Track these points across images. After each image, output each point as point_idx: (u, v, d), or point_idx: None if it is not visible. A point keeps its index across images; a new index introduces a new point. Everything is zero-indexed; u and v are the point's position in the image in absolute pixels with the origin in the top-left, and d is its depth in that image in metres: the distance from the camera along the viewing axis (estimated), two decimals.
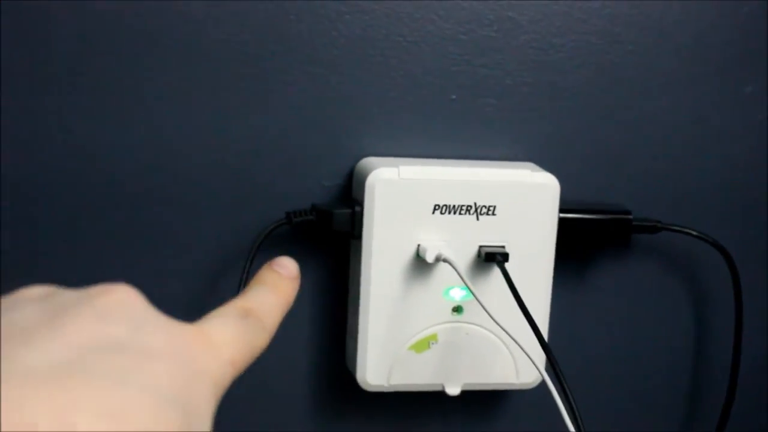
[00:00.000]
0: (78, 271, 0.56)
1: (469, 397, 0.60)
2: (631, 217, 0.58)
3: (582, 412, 0.62)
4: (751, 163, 0.62)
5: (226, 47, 0.55)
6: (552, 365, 0.50)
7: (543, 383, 0.59)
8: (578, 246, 0.60)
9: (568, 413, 0.48)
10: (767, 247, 0.63)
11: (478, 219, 0.55)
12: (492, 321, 0.54)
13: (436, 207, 0.55)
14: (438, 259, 0.54)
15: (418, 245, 0.55)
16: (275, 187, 0.57)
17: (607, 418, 0.64)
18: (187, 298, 0.57)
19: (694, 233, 0.60)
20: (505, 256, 0.55)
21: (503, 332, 0.53)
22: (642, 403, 0.64)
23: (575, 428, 0.48)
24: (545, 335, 0.58)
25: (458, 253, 0.55)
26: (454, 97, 0.58)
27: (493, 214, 0.55)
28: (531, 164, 0.58)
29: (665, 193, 0.61)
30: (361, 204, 0.55)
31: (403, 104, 0.58)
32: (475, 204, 0.55)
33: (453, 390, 0.57)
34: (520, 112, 0.59)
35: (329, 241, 0.58)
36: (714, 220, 0.62)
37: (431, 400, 0.61)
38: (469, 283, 0.54)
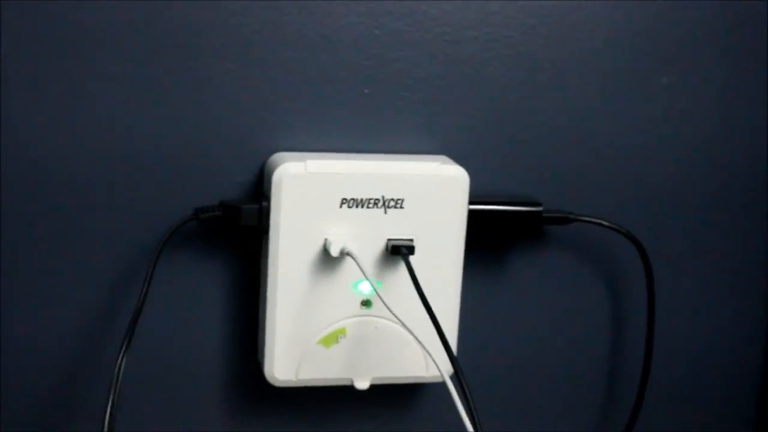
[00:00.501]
0: None
1: (381, 391, 0.60)
2: (541, 209, 0.58)
3: (494, 407, 0.63)
4: (664, 154, 0.62)
5: (133, 42, 0.54)
6: (451, 360, 0.50)
7: (455, 377, 0.60)
8: (490, 239, 0.60)
9: (465, 411, 0.48)
10: (679, 236, 0.64)
11: (386, 212, 0.55)
12: (403, 315, 0.54)
13: (344, 201, 0.54)
14: (342, 253, 0.54)
15: (326, 239, 0.55)
16: (187, 184, 0.56)
17: (522, 412, 0.64)
18: (94, 295, 0.57)
19: (606, 224, 0.60)
20: (410, 249, 0.55)
21: (413, 326, 0.53)
22: (557, 395, 0.65)
23: (472, 427, 0.48)
24: (455, 329, 0.58)
25: (366, 247, 0.55)
26: (367, 91, 0.58)
27: (401, 207, 0.55)
28: (444, 157, 0.58)
29: (579, 185, 0.61)
30: (269, 199, 0.54)
31: (316, 99, 0.57)
32: (383, 197, 0.55)
33: (362, 384, 0.57)
34: (433, 105, 0.59)
35: (242, 237, 0.57)
36: (627, 211, 0.62)
37: (344, 395, 0.61)
38: (372, 277, 0.55)
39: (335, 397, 0.61)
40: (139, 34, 0.54)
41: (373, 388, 0.58)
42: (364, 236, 0.55)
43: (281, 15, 0.55)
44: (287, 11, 0.55)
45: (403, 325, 0.52)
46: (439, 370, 0.51)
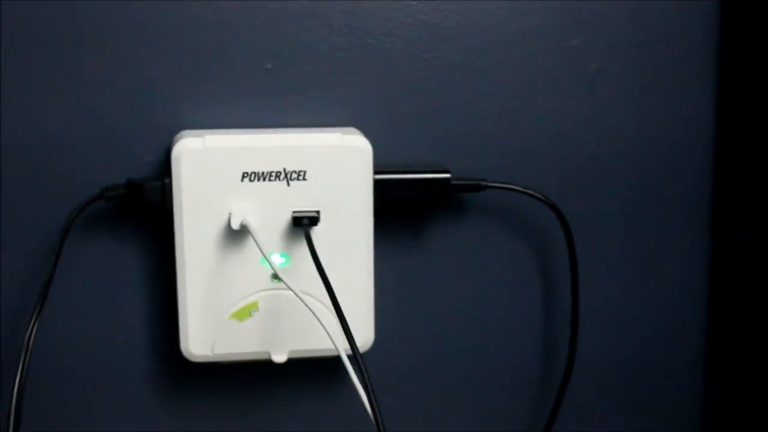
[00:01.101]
0: None
1: (301, 364, 0.60)
2: (449, 175, 0.58)
3: (416, 380, 0.63)
4: (581, 115, 0.62)
5: (42, 24, 0.55)
6: (346, 333, 0.50)
7: (377, 347, 0.60)
8: (401, 210, 0.60)
9: (362, 387, 0.48)
10: (598, 201, 0.63)
11: (288, 185, 0.55)
12: (313, 287, 0.54)
13: (245, 174, 0.55)
14: (242, 226, 0.54)
15: (230, 214, 0.55)
16: (97, 166, 0.57)
17: (444, 386, 0.64)
18: (7, 275, 0.58)
19: (521, 189, 0.60)
20: (312, 220, 0.55)
21: (327, 299, 0.53)
22: (482, 365, 0.64)
23: (369, 405, 0.48)
24: (371, 302, 0.58)
25: (271, 220, 0.55)
26: (269, 66, 0.58)
27: (304, 179, 0.55)
28: (352, 129, 0.58)
29: (492, 154, 0.61)
30: (170, 175, 0.55)
31: (219, 77, 0.58)
32: (285, 170, 0.55)
33: (279, 357, 0.57)
34: (337, 77, 0.59)
35: (152, 216, 0.58)
36: (543, 179, 0.62)
37: (265, 370, 0.61)
38: (279, 250, 0.55)
39: (258, 373, 0.61)
40: (48, 17, 0.55)
41: (295, 362, 0.58)
42: (268, 210, 0.55)
43: None
44: None
45: (300, 299, 0.52)
46: (335, 345, 0.52)
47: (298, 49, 0.58)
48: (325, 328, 0.52)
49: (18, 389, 0.50)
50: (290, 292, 0.57)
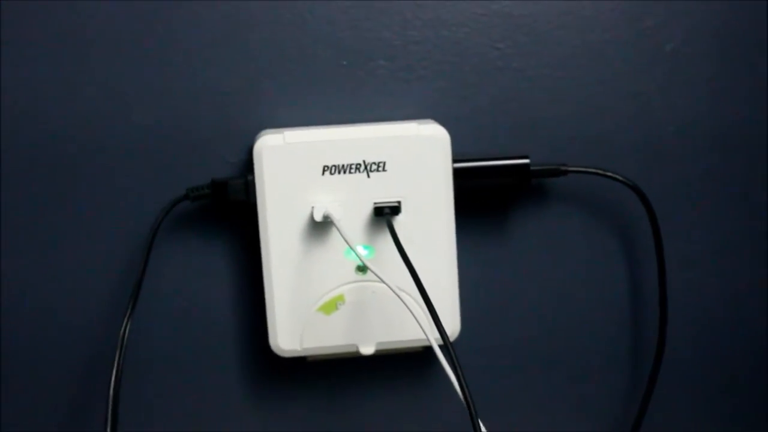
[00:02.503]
0: None
1: (392, 357, 0.60)
2: (528, 161, 0.58)
3: (507, 367, 0.63)
4: (658, 96, 0.61)
5: (126, 33, 0.57)
6: (435, 322, 0.49)
7: (463, 335, 0.60)
8: (481, 198, 0.60)
9: (455, 377, 0.48)
10: (679, 180, 0.62)
11: (369, 176, 0.56)
12: (397, 278, 0.54)
13: (326, 168, 0.56)
14: (325, 218, 0.55)
15: (312, 207, 0.56)
16: (180, 170, 0.59)
17: (537, 372, 0.64)
18: (91, 278, 0.59)
19: (602, 172, 0.60)
20: (394, 210, 0.56)
21: (412, 289, 0.53)
22: (573, 350, 0.64)
23: (461, 393, 0.47)
24: (455, 289, 0.58)
25: (353, 212, 0.56)
26: (345, 62, 0.59)
27: (384, 170, 0.56)
28: (429, 121, 0.59)
29: (570, 138, 0.61)
30: (254, 173, 0.56)
31: (297, 76, 0.59)
32: (364, 161, 0.56)
33: (367, 349, 0.58)
34: (412, 70, 0.59)
35: (238, 214, 0.59)
36: (623, 159, 0.61)
37: (351, 364, 0.62)
38: (362, 242, 0.55)
39: (345, 367, 0.62)
40: (131, 25, 0.57)
41: (384, 355, 0.59)
42: (349, 202, 0.56)
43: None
44: None
45: (390, 287, 0.52)
46: (426, 336, 0.51)
47: (373, 44, 0.59)
48: (416, 318, 0.52)
49: (114, 386, 0.52)
50: (375, 284, 0.57)
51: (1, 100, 0.57)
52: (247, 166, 0.59)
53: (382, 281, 0.52)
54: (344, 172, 0.56)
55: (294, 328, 0.57)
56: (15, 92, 0.57)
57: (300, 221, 0.56)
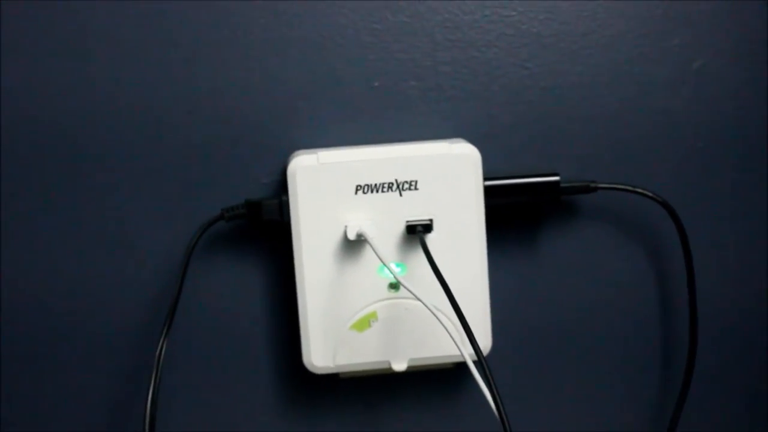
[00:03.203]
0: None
1: (423, 374, 0.61)
2: (558, 178, 0.59)
3: (539, 383, 0.63)
4: (686, 113, 0.62)
5: (161, 48, 0.59)
6: (470, 341, 0.50)
7: (495, 352, 0.60)
8: (511, 215, 0.61)
9: (489, 394, 0.48)
10: (707, 196, 0.63)
11: (401, 195, 0.57)
12: (430, 295, 0.55)
13: (359, 187, 0.57)
14: (359, 236, 0.56)
15: (345, 226, 0.57)
16: (214, 191, 0.60)
17: (567, 387, 0.64)
18: (128, 297, 0.60)
19: (631, 189, 0.60)
20: (426, 227, 0.56)
21: (444, 306, 0.54)
22: (603, 367, 0.64)
23: (496, 410, 0.48)
24: (487, 306, 0.59)
25: (385, 230, 0.57)
26: (377, 84, 0.60)
27: (416, 188, 0.57)
28: (460, 140, 0.60)
29: (599, 155, 0.62)
30: (287, 193, 0.57)
31: (328, 97, 0.60)
32: (396, 181, 0.57)
33: (399, 366, 0.58)
34: (442, 91, 0.60)
35: (272, 234, 0.60)
36: (652, 176, 0.62)
37: (384, 381, 0.62)
38: (395, 260, 0.56)
39: (380, 384, 0.63)
40: (166, 44, 0.58)
41: (415, 372, 0.59)
42: (382, 220, 0.57)
43: (285, 20, 0.59)
44: (288, 16, 0.59)
45: (423, 303, 0.53)
46: (461, 352, 0.52)
47: (403, 65, 0.60)
48: (450, 334, 0.53)
49: (151, 406, 0.52)
50: (408, 301, 0.58)
51: (36, 123, 0.59)
52: (281, 187, 0.60)
53: (416, 297, 0.53)
54: (377, 191, 0.57)
55: (327, 345, 0.58)
56: (42, 105, 0.59)
57: (333, 240, 0.57)
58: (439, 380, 0.63)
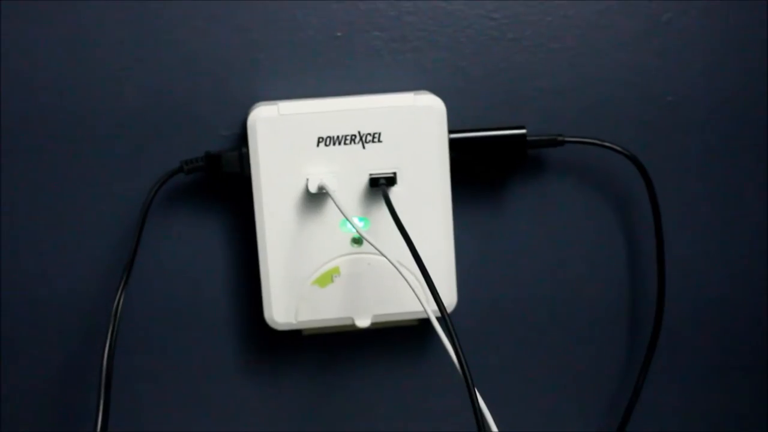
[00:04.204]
0: None
1: (386, 331, 0.60)
2: (525, 131, 0.58)
3: (506, 338, 0.62)
4: (654, 66, 0.61)
5: (116, 4, 0.57)
6: (433, 295, 0.48)
7: (459, 308, 0.60)
8: (478, 169, 0.60)
9: (453, 349, 0.47)
10: (676, 150, 0.62)
11: (364, 147, 0.56)
12: (393, 250, 0.54)
13: (320, 139, 0.55)
14: (320, 190, 0.54)
15: (307, 179, 0.55)
16: (173, 143, 0.58)
17: (533, 344, 0.64)
18: (85, 251, 0.59)
19: (599, 143, 0.59)
20: (389, 180, 0.55)
21: (408, 261, 0.53)
22: (570, 324, 0.63)
23: (459, 367, 0.46)
24: (452, 261, 0.58)
25: (348, 184, 0.56)
26: (339, 34, 0.59)
27: (380, 141, 0.56)
28: (425, 92, 0.58)
29: (566, 109, 0.61)
30: (248, 145, 0.56)
31: (290, 48, 0.58)
32: (359, 132, 0.55)
33: (363, 322, 0.58)
34: (407, 41, 0.59)
35: (232, 187, 0.59)
36: (620, 130, 0.61)
37: (346, 338, 0.61)
38: (357, 213, 0.55)
39: (343, 340, 0.62)
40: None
41: (379, 329, 0.58)
42: (345, 173, 0.56)
43: None
44: None
45: (387, 259, 0.52)
46: (425, 309, 0.51)
47: (367, 15, 0.58)
48: (414, 291, 0.51)
49: (108, 359, 0.51)
50: (371, 256, 0.57)
51: (6, 69, 0.57)
52: (242, 139, 0.59)
53: (380, 253, 0.52)
54: (339, 144, 0.55)
55: (289, 301, 0.57)
56: (19, 61, 0.57)
57: (295, 193, 0.56)
58: (404, 336, 0.62)
